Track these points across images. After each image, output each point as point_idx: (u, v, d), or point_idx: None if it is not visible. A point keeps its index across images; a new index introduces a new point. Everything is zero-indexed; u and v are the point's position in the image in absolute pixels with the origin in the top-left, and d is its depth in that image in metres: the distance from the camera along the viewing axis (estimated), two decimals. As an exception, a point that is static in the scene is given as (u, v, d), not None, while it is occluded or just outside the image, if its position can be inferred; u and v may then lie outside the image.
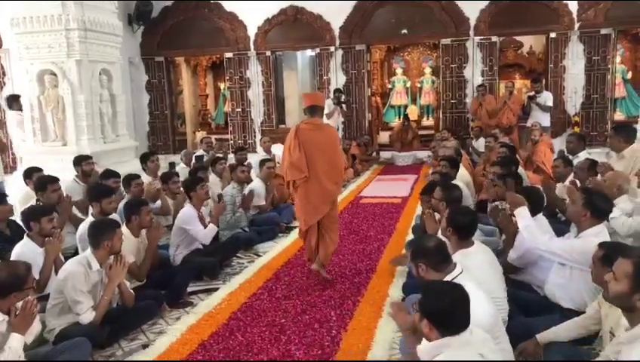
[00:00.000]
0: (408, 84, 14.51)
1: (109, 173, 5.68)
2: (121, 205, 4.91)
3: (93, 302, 3.49)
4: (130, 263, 3.90)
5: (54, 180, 5.07)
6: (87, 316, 3.42)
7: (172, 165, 9.73)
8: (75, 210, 5.25)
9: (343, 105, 10.34)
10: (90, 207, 4.75)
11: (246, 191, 6.22)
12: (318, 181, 4.39)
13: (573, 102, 10.45)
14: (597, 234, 3.14)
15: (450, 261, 2.76)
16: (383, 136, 12.91)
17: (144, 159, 6.62)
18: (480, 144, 9.15)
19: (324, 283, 4.50)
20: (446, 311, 2.12)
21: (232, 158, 8.06)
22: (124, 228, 4.11)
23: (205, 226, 4.96)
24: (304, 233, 4.57)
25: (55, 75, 7.46)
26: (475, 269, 2.90)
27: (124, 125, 8.59)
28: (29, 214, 3.97)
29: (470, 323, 2.14)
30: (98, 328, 3.46)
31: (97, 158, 6.89)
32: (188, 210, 4.99)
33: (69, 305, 3.43)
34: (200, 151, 8.57)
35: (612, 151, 5.66)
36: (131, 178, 5.50)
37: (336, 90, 10.50)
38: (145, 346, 3.54)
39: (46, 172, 5.67)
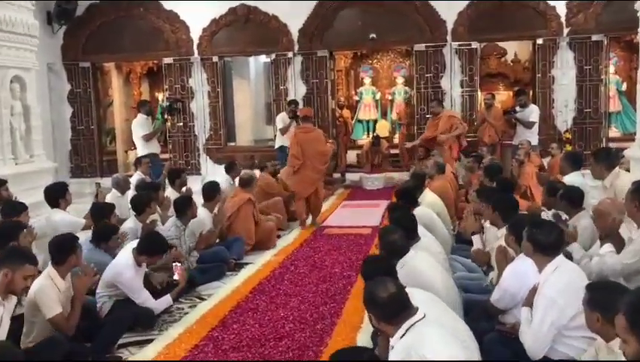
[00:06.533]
0: (378, 96, 14.70)
1: None
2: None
3: None
4: (56, 314, 3.85)
5: None
6: None
7: (98, 185, 9.65)
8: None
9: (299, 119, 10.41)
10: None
11: (193, 228, 6.06)
12: (312, 164, 7.85)
13: (564, 116, 10.77)
14: (551, 275, 3.25)
15: (408, 310, 2.77)
16: (351, 155, 12.99)
17: None
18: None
19: (280, 334, 4.44)
20: None
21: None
22: (50, 269, 4.02)
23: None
24: (300, 200, 7.98)
25: (-46, 83, 7.22)
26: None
27: (41, 143, 8.35)
28: None
29: None
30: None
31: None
32: (127, 269, 4.64)
33: None
34: (137, 175, 8.31)
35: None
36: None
37: (292, 102, 10.58)
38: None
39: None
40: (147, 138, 9.50)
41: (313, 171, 7.93)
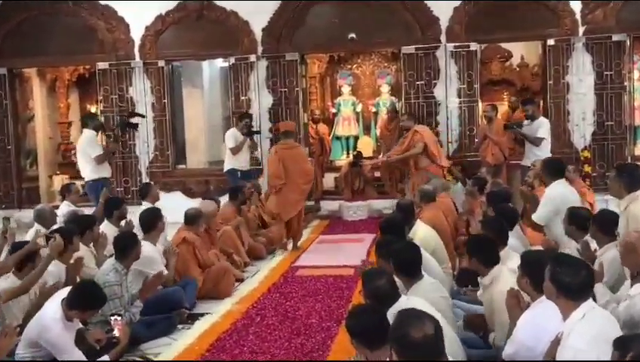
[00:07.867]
0: (359, 108, 14.77)
1: None
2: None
3: None
4: None
5: None
6: None
7: (7, 221, 9.32)
8: None
9: (255, 136, 10.40)
10: None
11: (141, 268, 5.99)
12: (295, 183, 8.54)
13: (581, 131, 10.89)
14: (578, 323, 3.22)
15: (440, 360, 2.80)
16: (328, 180, 12.97)
17: None
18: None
19: None
20: None
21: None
22: None
23: None
24: (286, 223, 8.74)
25: None
26: None
27: (-55, 168, 8.24)
28: None
29: None
30: None
31: None
32: (54, 324, 4.53)
33: None
34: (65, 205, 8.19)
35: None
36: None
37: (244, 116, 10.67)
38: None
39: None
40: (100, 160, 9.27)
41: (296, 192, 8.67)
